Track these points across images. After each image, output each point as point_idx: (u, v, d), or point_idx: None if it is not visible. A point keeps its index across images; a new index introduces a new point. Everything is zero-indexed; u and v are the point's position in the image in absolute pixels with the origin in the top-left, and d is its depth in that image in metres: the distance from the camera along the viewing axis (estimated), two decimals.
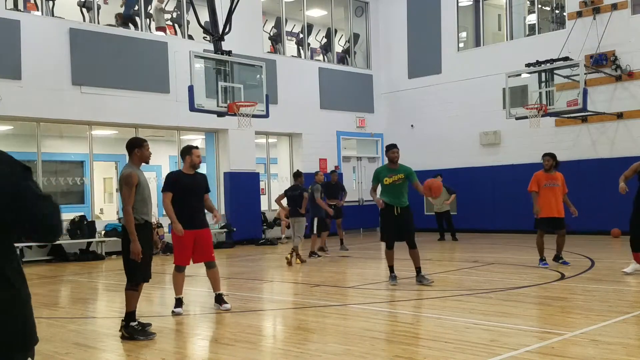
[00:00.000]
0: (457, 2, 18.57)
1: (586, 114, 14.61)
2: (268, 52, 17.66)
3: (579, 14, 15.76)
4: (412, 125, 19.22)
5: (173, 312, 6.70)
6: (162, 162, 19.56)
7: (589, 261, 10.02)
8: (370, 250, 14.05)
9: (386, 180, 8.17)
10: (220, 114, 12.06)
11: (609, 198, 13.65)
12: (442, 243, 14.85)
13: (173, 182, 6.68)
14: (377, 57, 20.12)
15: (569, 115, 14.79)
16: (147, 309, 7.10)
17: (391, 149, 8.35)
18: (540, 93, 14.24)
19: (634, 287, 7.78)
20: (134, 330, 5.63)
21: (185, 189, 6.60)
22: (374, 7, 20.15)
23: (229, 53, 11.97)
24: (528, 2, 18.24)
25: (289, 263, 11.14)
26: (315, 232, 12.11)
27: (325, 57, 19.57)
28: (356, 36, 20.10)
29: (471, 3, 18.89)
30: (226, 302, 6.90)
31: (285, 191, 11.93)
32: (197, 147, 6.93)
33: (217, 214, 7.06)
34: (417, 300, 7.26)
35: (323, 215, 12.13)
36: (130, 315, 5.67)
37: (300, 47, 18.90)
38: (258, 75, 12.65)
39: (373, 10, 20.16)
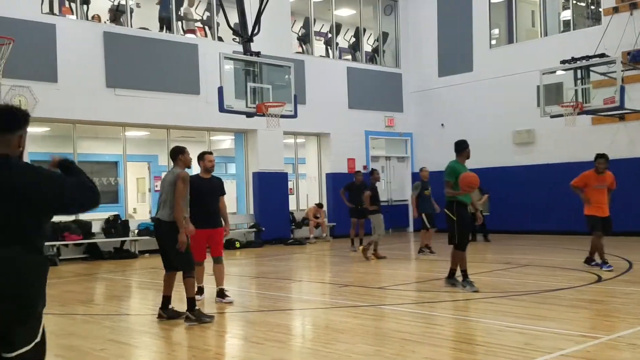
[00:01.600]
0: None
1: (623, 112, 14.22)
2: (296, 52, 17.68)
3: (615, 10, 15.36)
4: (442, 124, 19.00)
5: None
6: (192, 163, 19.72)
7: (626, 263, 9.74)
8: (399, 250, 13.94)
9: None
10: (249, 115, 12.10)
11: None
12: (474, 244, 14.59)
13: (190, 186, 7.04)
14: (406, 56, 19.96)
15: (605, 114, 14.42)
16: (179, 307, 7.15)
17: (468, 144, 7.96)
18: (575, 90, 13.91)
19: None
20: (200, 313, 6.17)
21: (201, 191, 7.16)
22: (404, 5, 20.00)
23: (257, 54, 12.01)
24: None
25: (366, 257, 11.39)
26: (428, 227, 12.10)
27: (353, 56, 19.50)
28: (385, 35, 19.98)
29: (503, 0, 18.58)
30: (228, 296, 7.34)
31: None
32: (210, 153, 7.67)
33: (228, 228, 7.60)
34: (448, 302, 7.14)
35: (430, 212, 12.04)
36: (192, 301, 6.16)
37: (329, 47, 18.87)
38: (286, 76, 12.66)
39: (402, 8, 20.00)
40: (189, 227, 6.63)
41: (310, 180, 18.58)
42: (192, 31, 15.98)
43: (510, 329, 5.68)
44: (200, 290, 7.39)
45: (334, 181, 17.64)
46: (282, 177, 16.79)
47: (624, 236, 13.63)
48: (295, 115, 12.52)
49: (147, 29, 15.00)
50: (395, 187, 19.52)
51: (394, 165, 19.79)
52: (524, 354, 4.70)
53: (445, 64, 19.03)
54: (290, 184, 17.88)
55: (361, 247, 12.07)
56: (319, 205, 17.20)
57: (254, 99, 11.88)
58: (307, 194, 18.53)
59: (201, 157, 7.52)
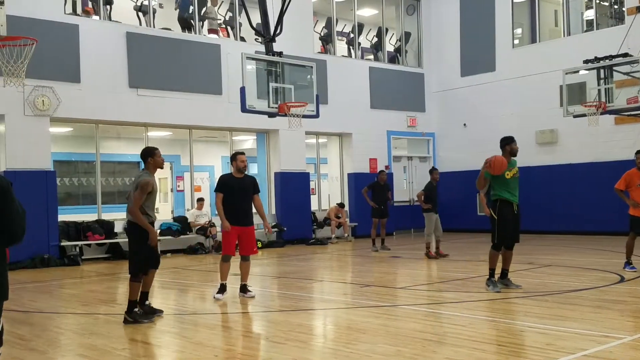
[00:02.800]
0: None
1: None
2: (319, 52, 17.73)
3: (639, 9, 15.13)
4: (464, 124, 18.90)
5: (214, 297, 7.43)
6: (214, 163, 19.92)
7: None
8: (421, 250, 13.90)
9: (507, 174, 7.55)
10: (271, 115, 12.18)
11: None
12: None
13: (222, 184, 7.61)
14: (428, 56, 19.89)
15: (629, 113, 14.21)
16: (201, 306, 7.26)
17: (513, 140, 7.84)
18: (598, 90, 13.74)
19: None
20: (137, 315, 6.26)
21: (233, 190, 7.49)
22: (426, 5, 19.93)
23: (279, 54, 12.08)
24: None
25: (430, 256, 11.69)
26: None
27: (375, 56, 19.48)
28: (407, 35, 19.93)
29: None
30: (250, 291, 7.63)
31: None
32: (242, 153, 7.83)
33: (268, 225, 8.13)
34: (469, 302, 7.13)
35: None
36: (133, 303, 6.27)
37: (351, 47, 18.89)
38: (308, 76, 12.71)
39: (425, 8, 19.94)
40: (225, 224, 7.24)
41: (332, 180, 18.62)
42: (215, 31, 16.13)
43: (532, 329, 5.66)
44: (222, 288, 7.55)
45: (356, 181, 17.66)
46: (304, 177, 16.86)
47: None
48: (317, 115, 12.57)
49: (170, 29, 15.18)
50: (417, 187, 19.44)
51: (416, 165, 19.74)
52: (546, 354, 4.69)
53: (467, 64, 18.93)
54: (312, 184, 17.95)
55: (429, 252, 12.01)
56: (341, 205, 17.23)
57: (276, 99, 11.95)
58: (328, 194, 18.58)
59: (234, 158, 7.72)
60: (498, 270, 7.69)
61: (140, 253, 6.25)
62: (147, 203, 6.22)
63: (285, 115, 11.88)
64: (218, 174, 17.59)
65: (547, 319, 6.05)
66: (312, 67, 12.61)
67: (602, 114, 13.53)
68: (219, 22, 16.37)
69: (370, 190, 13.80)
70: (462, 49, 19.10)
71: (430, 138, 19.80)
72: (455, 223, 17.55)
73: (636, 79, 13.29)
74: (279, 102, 11.89)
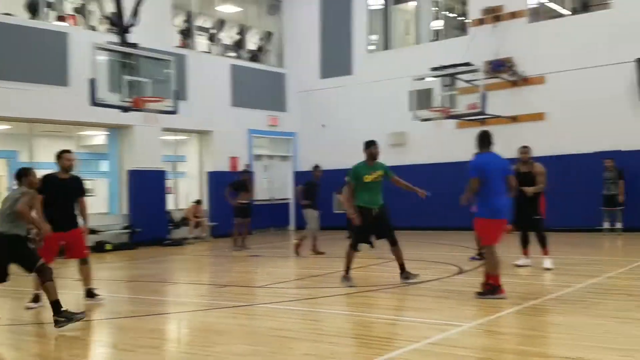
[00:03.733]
0: (368, 5, 18.97)
1: (484, 117, 15.34)
2: (177, 46, 17.21)
3: (481, 22, 16.56)
4: (323, 125, 19.42)
5: (26, 306, 6.90)
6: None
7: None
8: (281, 249, 14.05)
9: (366, 178, 7.77)
10: (124, 109, 11.58)
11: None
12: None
13: (45, 185, 6.90)
14: (290, 56, 20.16)
15: (469, 118, 15.49)
16: (42, 315, 6.70)
17: (373, 144, 8.00)
18: (443, 96, 14.85)
19: (524, 279, 8.26)
20: (68, 313, 5.86)
21: (57, 193, 6.93)
22: (288, 6, 20.18)
23: (135, 46, 11.52)
24: (433, 9, 18.94)
25: (297, 253, 11.57)
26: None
27: (237, 54, 19.35)
28: (269, 34, 20.05)
29: (381, 7, 19.35)
30: (98, 295, 7.23)
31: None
32: (69, 151, 7.27)
33: (85, 229, 7.38)
34: (325, 298, 7.32)
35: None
36: (57, 303, 5.86)
37: (212, 43, 18.57)
38: (166, 70, 12.24)
39: (286, 9, 20.18)
40: (45, 227, 6.27)
41: (191, 179, 18.18)
42: (63, 19, 15.01)
43: (382, 321, 5.95)
44: (37, 298, 6.88)
45: (216, 180, 17.41)
46: (159, 176, 16.26)
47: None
48: (175, 112, 12.18)
49: (11, 14, 13.87)
50: (278, 185, 19.66)
51: (277, 165, 19.92)
52: (395, 344, 4.95)
53: (326, 66, 19.47)
54: (169, 183, 17.39)
55: (294, 242, 11.99)
56: (198, 202, 16.87)
57: (131, 92, 11.38)
58: (187, 193, 18.11)
59: (59, 156, 7.16)
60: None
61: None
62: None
63: (141, 110, 11.36)
64: None
65: (396, 310, 6.40)
66: (170, 61, 12.18)
67: (446, 118, 14.64)
68: (71, 8, 15.22)
69: (233, 190, 13.65)
70: (322, 51, 19.61)
71: (291, 138, 20.08)
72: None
73: (476, 87, 14.53)
74: (134, 96, 11.34)
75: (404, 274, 7.88)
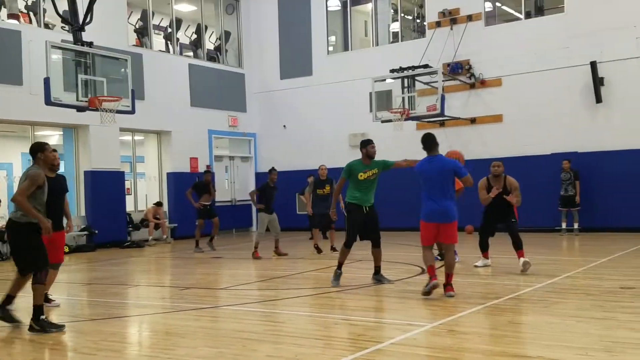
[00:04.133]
0: (327, 7, 19.03)
1: (443, 118, 15.61)
2: (133, 45, 16.90)
3: (438, 24, 16.82)
4: (284, 126, 19.39)
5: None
6: (13, 160, 18.01)
7: None
8: (243, 250, 13.95)
9: (361, 176, 7.77)
10: (80, 109, 11.34)
11: (462, 198, 14.67)
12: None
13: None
14: (249, 56, 20.05)
15: (428, 120, 15.72)
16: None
17: (370, 143, 7.96)
18: (403, 98, 15.01)
19: (484, 279, 8.44)
20: (45, 323, 5.79)
21: (50, 191, 6.48)
22: (245, 5, 20.06)
23: (90, 44, 11.28)
24: (392, 11, 19.14)
25: (254, 256, 11.51)
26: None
27: (195, 53, 19.13)
28: (227, 34, 19.89)
29: (339, 8, 19.45)
30: (53, 300, 7.20)
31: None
32: (55, 150, 7.01)
33: (71, 224, 7.49)
34: (289, 299, 7.31)
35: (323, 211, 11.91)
36: (39, 309, 5.81)
37: (169, 42, 18.31)
38: (123, 69, 12.06)
39: (244, 8, 20.06)
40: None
41: (150, 180, 17.88)
42: (15, 16, 14.56)
43: (346, 321, 5.99)
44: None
45: (176, 181, 17.19)
46: (118, 177, 15.94)
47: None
48: (133, 111, 11.98)
49: None
50: (239, 186, 19.52)
51: (238, 165, 19.80)
52: (359, 344, 4.98)
53: (286, 67, 19.45)
54: (127, 184, 17.06)
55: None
56: (158, 204, 16.61)
57: (86, 92, 11.15)
58: (146, 194, 17.81)
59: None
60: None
61: (35, 248, 5.77)
62: (37, 202, 5.82)
63: (97, 109, 11.14)
64: (18, 172, 15.93)
65: (360, 311, 6.44)
66: (126, 60, 11.98)
67: (405, 120, 14.80)
68: (24, 5, 14.76)
69: (195, 191, 13.49)
70: (281, 52, 19.58)
71: (251, 138, 19.98)
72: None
73: (435, 89, 14.75)
74: (90, 96, 11.10)
75: (378, 275, 8.00)
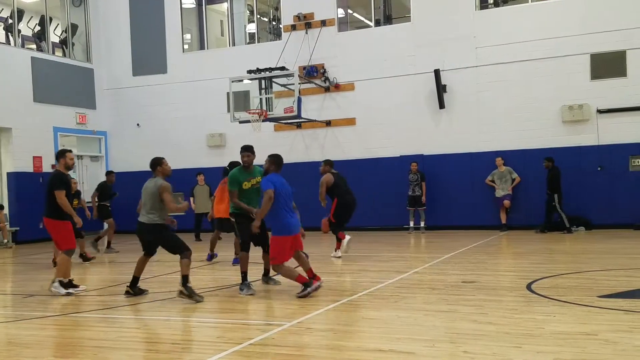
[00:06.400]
0: (181, 3, 18.63)
1: (300, 120, 16.02)
2: None
3: (294, 27, 17.20)
4: (138, 124, 18.68)
5: None
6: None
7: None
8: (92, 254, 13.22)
9: (245, 185, 7.58)
10: None
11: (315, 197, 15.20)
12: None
13: (63, 182, 7.98)
14: (98, 51, 19.04)
15: (286, 122, 16.03)
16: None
17: (244, 150, 7.67)
18: (260, 99, 15.18)
19: (340, 277, 8.80)
20: (192, 291, 6.92)
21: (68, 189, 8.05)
22: None
23: None
24: (248, 12, 19.22)
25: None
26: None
27: (39, 46, 17.78)
28: (74, 27, 18.72)
29: (194, 6, 19.15)
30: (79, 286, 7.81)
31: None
32: (70, 150, 8.27)
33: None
34: (143, 304, 7.10)
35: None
36: (186, 277, 6.98)
37: (10, 34, 16.86)
38: None
39: (92, 1, 19.02)
40: (77, 218, 8.04)
41: None
42: None
43: (204, 324, 5.98)
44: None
45: (17, 181, 15.89)
46: None
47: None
48: None
49: None
50: (88, 187, 18.42)
51: (87, 165, 18.72)
52: (217, 347, 5.00)
53: (139, 64, 18.77)
54: None
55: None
56: (0, 207, 15.31)
57: None
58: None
59: (62, 155, 8.12)
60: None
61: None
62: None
63: None
64: None
65: (218, 313, 6.46)
66: None
67: (263, 121, 14.97)
68: None
69: (99, 193, 13.14)
70: (133, 48, 18.84)
71: (102, 137, 18.99)
72: (127, 224, 17.15)
73: (291, 91, 15.08)
74: None
75: (266, 277, 8.05)
